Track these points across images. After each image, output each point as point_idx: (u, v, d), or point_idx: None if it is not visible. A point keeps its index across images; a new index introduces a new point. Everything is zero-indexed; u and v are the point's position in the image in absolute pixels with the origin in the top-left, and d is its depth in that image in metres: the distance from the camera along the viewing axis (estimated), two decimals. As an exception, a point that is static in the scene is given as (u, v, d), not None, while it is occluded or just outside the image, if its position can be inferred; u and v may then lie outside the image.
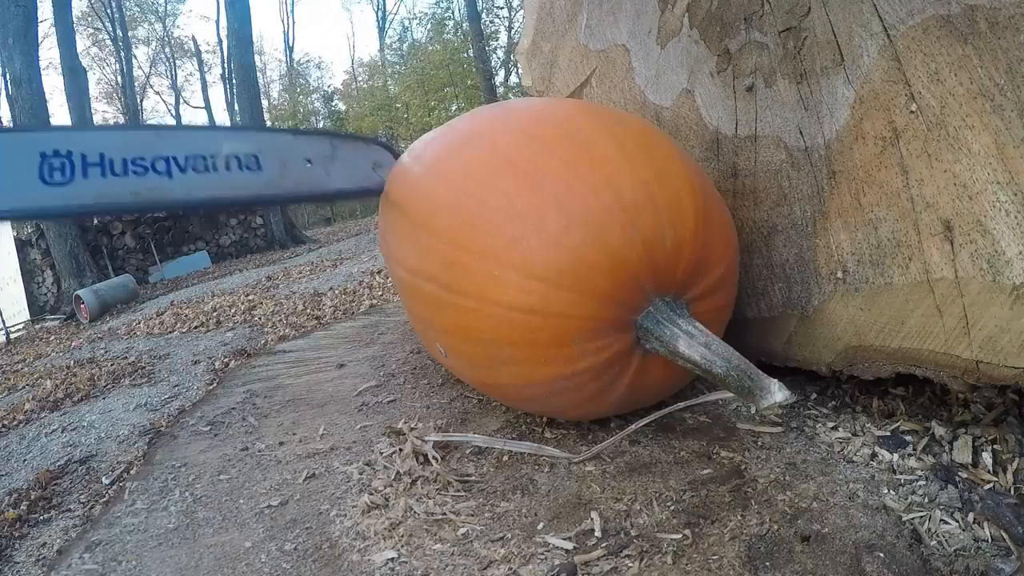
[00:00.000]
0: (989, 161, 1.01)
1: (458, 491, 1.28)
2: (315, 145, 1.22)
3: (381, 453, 1.47)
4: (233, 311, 4.51)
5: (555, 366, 1.19)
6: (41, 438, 2.31)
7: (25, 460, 2.12)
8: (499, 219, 1.19)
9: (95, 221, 9.38)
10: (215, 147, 0.98)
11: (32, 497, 1.76)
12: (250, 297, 5.06)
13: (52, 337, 6.01)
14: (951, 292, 1.08)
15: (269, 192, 1.10)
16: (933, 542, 0.99)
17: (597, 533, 1.09)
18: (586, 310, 1.14)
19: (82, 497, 1.73)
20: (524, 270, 1.14)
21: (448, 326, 1.32)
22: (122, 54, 25.76)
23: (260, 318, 3.98)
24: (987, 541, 0.99)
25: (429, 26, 25.28)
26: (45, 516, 1.66)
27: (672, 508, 1.13)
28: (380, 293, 3.88)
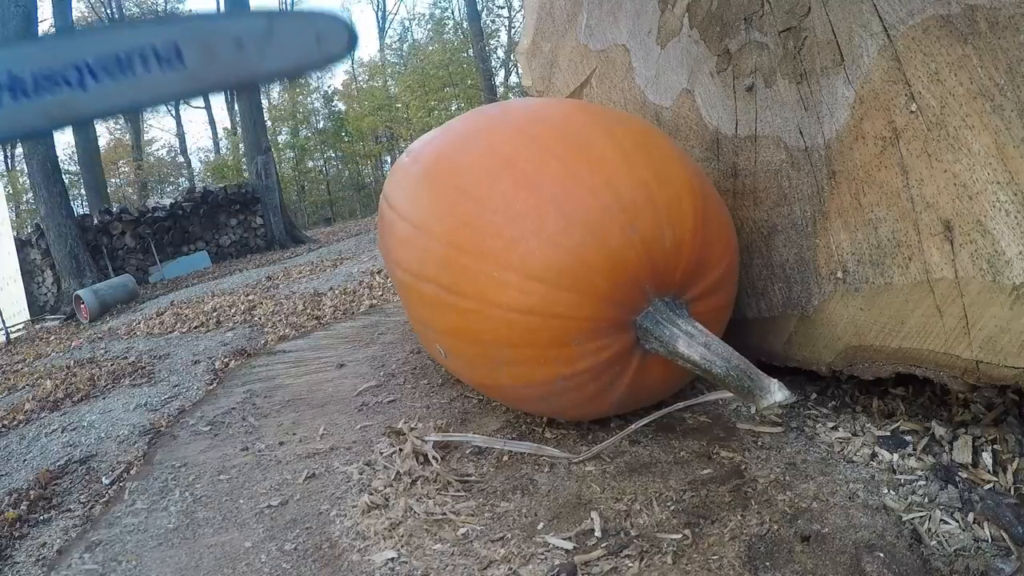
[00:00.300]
0: (989, 161, 1.01)
1: (458, 491, 1.28)
2: (248, 23, 1.05)
3: (381, 453, 1.47)
4: (233, 311, 4.51)
5: (555, 366, 1.19)
6: (41, 438, 2.31)
7: (25, 460, 2.12)
8: (498, 220, 1.19)
9: (95, 221, 9.37)
10: (129, 43, 0.86)
11: (32, 497, 1.76)
12: (250, 297, 5.06)
13: (52, 337, 6.01)
14: (951, 292, 1.08)
15: (194, 86, 0.97)
16: (933, 542, 0.99)
17: (597, 533, 1.09)
18: (586, 311, 1.14)
19: (82, 497, 1.73)
20: (524, 271, 1.14)
21: (448, 327, 1.32)
22: (122, 54, 25.70)
23: (260, 318, 3.98)
24: (987, 541, 0.98)
25: (429, 26, 25.29)
26: (45, 516, 1.66)
27: (672, 508, 1.13)
28: (380, 293, 3.88)
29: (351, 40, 1.17)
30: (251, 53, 0.97)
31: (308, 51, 1.11)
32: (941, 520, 1.03)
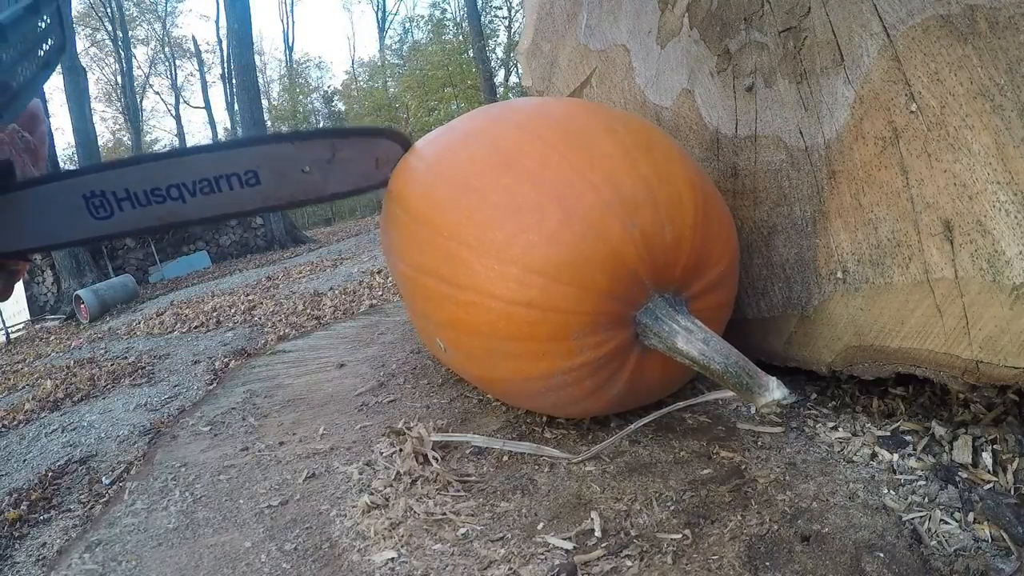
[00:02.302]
0: (989, 161, 1.01)
1: (458, 491, 1.28)
2: (313, 151, 1.27)
3: (381, 453, 1.47)
4: (233, 311, 4.52)
5: (553, 360, 1.20)
6: (41, 438, 2.31)
7: (25, 460, 2.12)
8: (499, 214, 1.19)
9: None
10: (216, 170, 1.12)
11: (32, 497, 1.76)
12: (250, 297, 5.06)
13: (52, 337, 6.01)
14: (951, 292, 1.08)
15: (269, 203, 1.23)
16: (933, 542, 0.99)
17: (597, 533, 1.09)
18: (585, 305, 1.14)
19: (82, 497, 1.74)
20: (524, 264, 1.14)
21: (448, 320, 1.32)
22: (122, 54, 25.77)
23: (260, 318, 3.98)
24: (987, 541, 0.98)
25: (429, 27, 25.31)
26: (45, 516, 1.66)
27: (672, 508, 1.13)
28: (380, 293, 3.89)
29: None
30: (315, 176, 1.20)
31: (367, 173, 1.33)
32: (941, 520, 1.03)
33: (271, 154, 1.20)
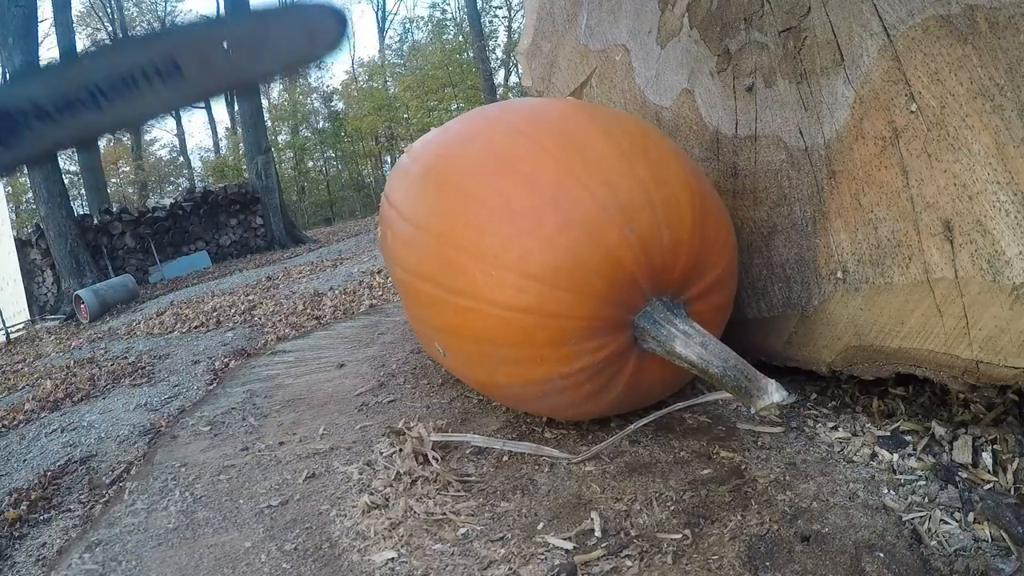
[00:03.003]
0: (989, 161, 1.01)
1: (458, 491, 1.28)
2: (236, 31, 1.14)
3: (381, 453, 1.47)
4: (233, 311, 4.52)
5: (552, 366, 1.19)
6: (41, 438, 2.31)
7: (25, 460, 2.12)
8: (496, 219, 1.19)
9: (95, 221, 9.37)
10: (130, 63, 0.99)
11: (32, 497, 1.76)
12: (250, 297, 5.06)
13: (52, 337, 6.01)
14: (951, 292, 1.08)
15: (194, 93, 1.09)
16: (933, 542, 0.99)
17: (597, 533, 1.09)
18: (582, 310, 1.14)
19: (82, 497, 1.74)
20: (520, 270, 1.14)
21: (446, 326, 1.32)
22: (122, 54, 25.74)
23: (260, 318, 3.98)
24: (987, 541, 0.99)
25: (429, 27, 25.31)
26: (45, 516, 1.66)
27: (672, 508, 1.13)
28: (380, 293, 3.89)
29: (342, 30, 1.23)
30: (244, 57, 1.07)
31: (300, 48, 1.20)
32: (941, 520, 1.03)
33: (190, 39, 1.10)
